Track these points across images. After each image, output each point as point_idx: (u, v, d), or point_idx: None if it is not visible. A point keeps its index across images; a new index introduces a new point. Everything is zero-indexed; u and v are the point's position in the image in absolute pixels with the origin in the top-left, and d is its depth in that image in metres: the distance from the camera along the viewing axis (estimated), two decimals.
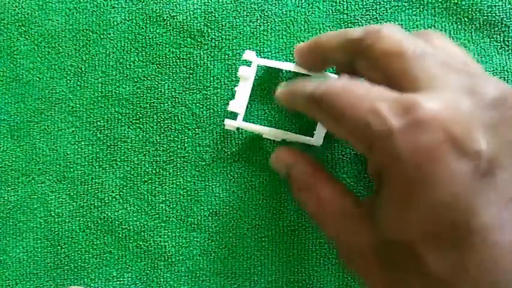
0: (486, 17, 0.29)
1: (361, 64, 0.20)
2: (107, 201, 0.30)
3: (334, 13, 0.29)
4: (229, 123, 0.26)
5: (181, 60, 0.30)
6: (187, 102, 0.30)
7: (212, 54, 0.30)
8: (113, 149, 0.30)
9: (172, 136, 0.30)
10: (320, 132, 0.26)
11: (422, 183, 0.16)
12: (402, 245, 0.17)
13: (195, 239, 0.30)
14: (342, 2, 0.29)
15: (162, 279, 0.30)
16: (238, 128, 0.27)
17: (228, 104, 0.27)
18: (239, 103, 0.26)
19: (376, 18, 0.29)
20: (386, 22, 0.29)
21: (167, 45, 0.30)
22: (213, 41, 0.30)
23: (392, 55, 0.19)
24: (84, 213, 0.30)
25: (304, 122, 0.28)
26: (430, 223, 0.17)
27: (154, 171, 0.30)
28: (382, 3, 0.29)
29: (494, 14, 0.29)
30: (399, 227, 0.17)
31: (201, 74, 0.30)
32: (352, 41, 0.20)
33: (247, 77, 0.26)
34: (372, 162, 0.18)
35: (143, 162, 0.30)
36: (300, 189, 0.22)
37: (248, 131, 0.27)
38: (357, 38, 0.20)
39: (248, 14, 0.30)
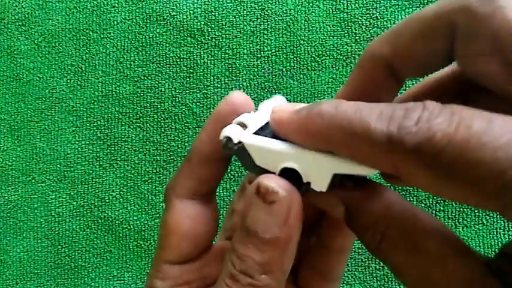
0: None
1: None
2: (107, 201, 0.30)
3: (335, 12, 0.29)
4: (232, 133, 0.15)
5: (182, 59, 0.30)
6: (187, 102, 0.30)
7: (212, 54, 0.30)
8: (113, 149, 0.30)
9: (172, 135, 0.30)
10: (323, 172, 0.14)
11: None
12: None
13: None
14: (342, 1, 0.29)
15: None
16: (236, 148, 0.16)
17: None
18: (251, 117, 0.16)
19: (377, 17, 0.29)
20: (387, 21, 0.29)
21: (167, 45, 0.30)
22: (213, 40, 0.30)
23: None
24: (85, 212, 0.30)
25: None
26: None
27: (154, 171, 0.30)
28: (382, 2, 0.29)
29: None
30: None
31: (201, 73, 0.30)
32: None
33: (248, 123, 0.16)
34: None
35: (143, 161, 0.30)
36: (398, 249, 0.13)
37: (256, 152, 0.15)
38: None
39: (248, 13, 0.30)
